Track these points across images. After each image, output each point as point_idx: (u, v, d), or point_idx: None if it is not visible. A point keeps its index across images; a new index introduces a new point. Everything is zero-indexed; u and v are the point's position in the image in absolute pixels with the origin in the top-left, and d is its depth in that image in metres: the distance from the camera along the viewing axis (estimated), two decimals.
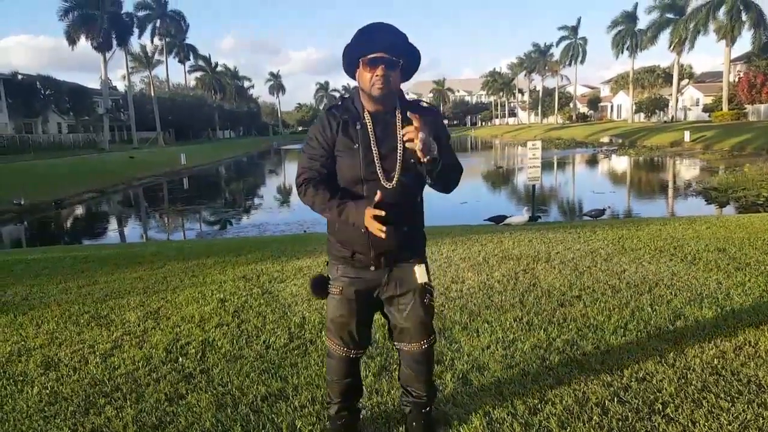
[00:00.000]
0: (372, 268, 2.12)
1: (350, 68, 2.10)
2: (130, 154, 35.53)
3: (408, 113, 1.93)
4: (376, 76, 1.98)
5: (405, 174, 2.04)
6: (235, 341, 3.51)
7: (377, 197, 1.95)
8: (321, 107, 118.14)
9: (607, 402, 2.53)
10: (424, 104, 2.21)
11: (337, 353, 2.24)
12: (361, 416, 2.46)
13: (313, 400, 2.68)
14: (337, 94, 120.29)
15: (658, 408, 2.46)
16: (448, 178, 2.08)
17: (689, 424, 2.32)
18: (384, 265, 2.12)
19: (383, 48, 1.98)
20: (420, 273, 2.16)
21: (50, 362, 3.33)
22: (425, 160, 1.89)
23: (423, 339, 2.20)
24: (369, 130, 2.06)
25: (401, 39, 2.03)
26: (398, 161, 2.04)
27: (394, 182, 2.03)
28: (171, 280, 5.33)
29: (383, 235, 1.91)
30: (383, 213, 1.89)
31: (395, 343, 2.28)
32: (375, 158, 2.04)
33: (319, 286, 2.22)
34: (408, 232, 2.11)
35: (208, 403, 2.69)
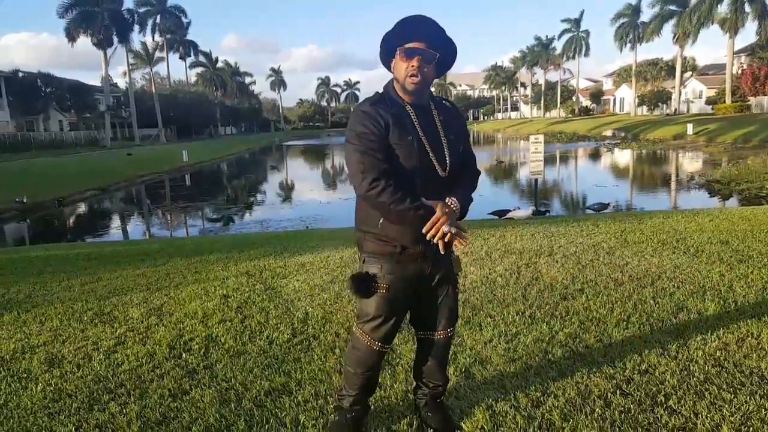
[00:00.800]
0: (418, 260, 2.09)
1: (387, 57, 2.08)
2: (127, 151, 35.58)
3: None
4: (412, 66, 1.98)
5: (454, 164, 2.08)
6: (238, 337, 3.52)
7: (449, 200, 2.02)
8: (323, 102, 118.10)
9: (609, 394, 2.53)
10: (446, 103, 2.22)
11: (369, 346, 2.18)
12: (368, 413, 2.43)
13: (317, 395, 2.68)
14: (339, 90, 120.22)
15: (661, 400, 2.46)
16: (470, 201, 2.13)
17: (692, 416, 2.33)
18: (429, 258, 2.10)
19: (422, 38, 1.97)
20: (456, 263, 2.22)
21: (54, 359, 3.35)
22: (460, 238, 1.98)
23: (451, 326, 2.25)
24: (415, 121, 2.04)
25: (441, 33, 2.02)
26: (446, 151, 2.06)
27: (447, 171, 2.05)
28: (174, 277, 5.34)
29: (462, 247, 2.01)
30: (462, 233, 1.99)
31: (422, 332, 2.27)
32: (427, 149, 2.03)
33: (365, 285, 2.12)
34: None
35: (211, 399, 2.70)
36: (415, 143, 2.01)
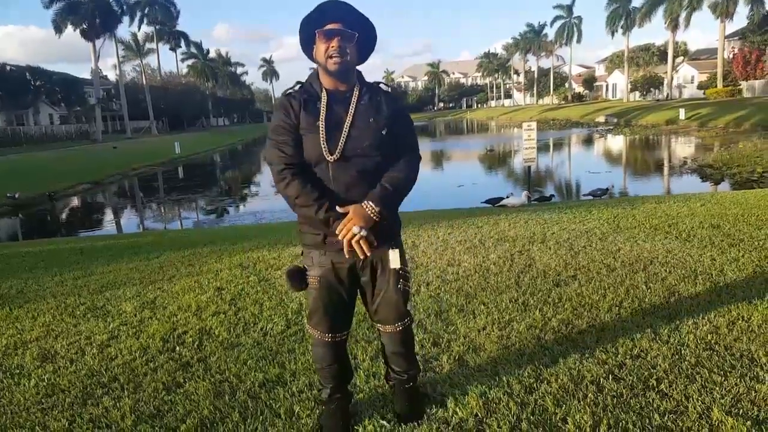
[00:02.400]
0: (342, 250, 2.04)
1: (308, 46, 2.09)
2: (113, 144, 35.32)
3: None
4: (332, 47, 1.98)
5: (364, 155, 2.03)
6: (232, 329, 3.52)
7: (345, 209, 1.99)
8: None
9: (602, 379, 2.55)
10: (384, 87, 2.18)
11: (321, 340, 2.22)
12: (354, 399, 2.48)
13: (311, 386, 2.69)
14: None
15: (653, 384, 2.48)
16: (402, 196, 2.09)
17: (683, 399, 2.34)
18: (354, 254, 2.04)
19: (338, 18, 1.99)
20: (393, 258, 2.13)
21: (47, 354, 3.34)
22: (357, 237, 1.97)
23: (397, 322, 2.23)
24: (322, 109, 2.03)
25: (357, 14, 2.04)
26: (343, 136, 2.01)
27: (335, 156, 2.00)
28: (167, 270, 5.32)
29: (364, 252, 2.00)
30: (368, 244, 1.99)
31: (375, 324, 2.32)
32: (321, 135, 2.01)
33: (297, 278, 2.16)
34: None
35: (205, 391, 2.70)
36: (323, 129, 2.00)
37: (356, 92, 2.08)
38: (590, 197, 10.77)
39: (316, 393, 2.59)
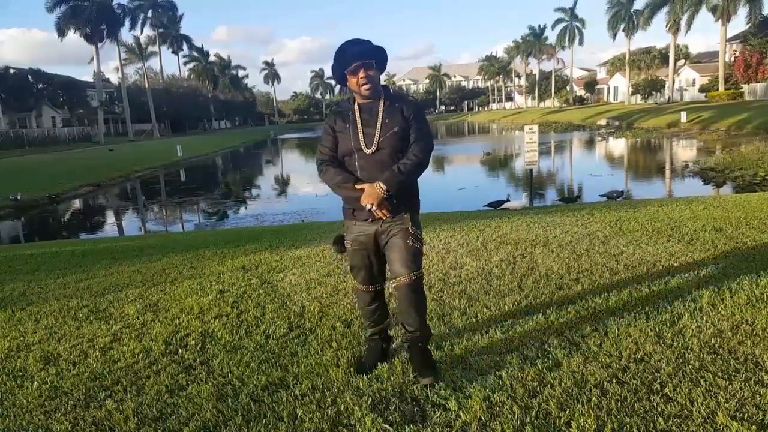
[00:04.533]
0: (368, 220, 2.68)
1: (342, 81, 2.74)
2: (109, 147, 35.39)
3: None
4: (361, 78, 2.62)
5: (385, 146, 2.64)
6: (234, 332, 3.52)
7: (360, 186, 2.63)
8: (317, 95, 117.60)
9: (605, 383, 2.54)
10: (406, 96, 2.86)
11: (358, 289, 2.86)
12: (393, 344, 3.03)
13: (314, 389, 2.68)
14: (333, 82, 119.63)
15: (657, 388, 2.47)
16: (410, 177, 2.65)
17: (687, 403, 2.34)
18: (376, 220, 2.67)
19: (357, 57, 2.60)
20: (405, 219, 2.69)
21: (50, 357, 3.34)
22: (383, 210, 2.61)
23: (411, 272, 2.64)
24: (357, 115, 2.70)
25: (368, 45, 2.66)
26: (376, 134, 2.64)
27: (372, 149, 2.64)
28: (169, 272, 5.32)
29: (383, 213, 2.64)
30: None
31: (390, 282, 2.77)
32: (359, 134, 2.66)
33: (339, 243, 2.89)
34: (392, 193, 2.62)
35: (208, 394, 2.70)
36: (351, 130, 2.68)
37: (381, 102, 2.69)
38: (605, 198, 10.78)
39: (322, 395, 2.59)
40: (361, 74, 2.60)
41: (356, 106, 2.71)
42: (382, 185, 2.57)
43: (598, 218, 6.58)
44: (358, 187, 2.62)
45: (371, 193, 2.57)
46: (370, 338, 2.94)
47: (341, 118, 2.73)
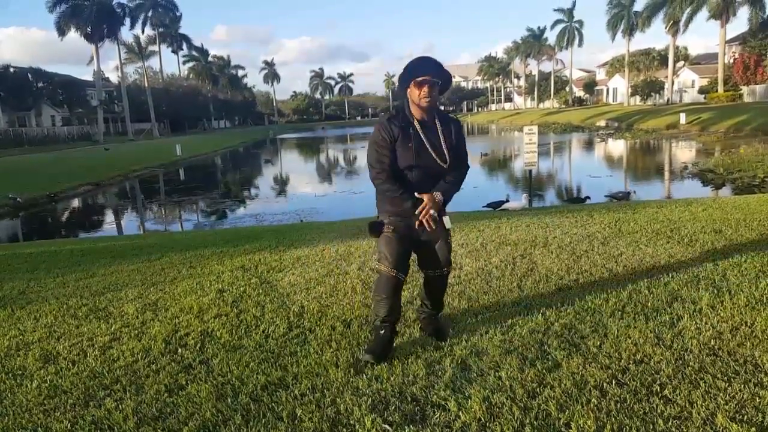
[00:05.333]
0: (410, 217, 2.94)
1: (403, 86, 2.94)
2: (105, 146, 35.35)
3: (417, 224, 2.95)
4: (424, 91, 2.86)
5: (451, 158, 2.99)
6: (234, 331, 3.52)
7: (419, 196, 2.91)
8: (316, 95, 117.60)
9: (605, 384, 2.54)
10: (450, 118, 3.11)
11: (386, 274, 2.94)
12: (396, 336, 3.14)
13: (313, 389, 2.68)
14: (333, 82, 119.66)
15: (656, 389, 2.47)
16: (455, 190, 3.06)
17: (687, 405, 2.34)
18: (417, 219, 2.93)
19: (429, 72, 2.86)
20: (447, 221, 3.05)
21: (49, 356, 3.33)
22: (431, 216, 2.89)
23: (445, 267, 3.08)
24: (420, 132, 2.93)
25: (439, 66, 2.92)
26: (445, 151, 2.96)
27: (447, 163, 2.96)
28: (169, 272, 5.32)
29: (429, 229, 2.94)
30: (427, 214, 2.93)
31: (424, 270, 3.15)
32: (429, 150, 2.92)
33: (376, 228, 3.02)
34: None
35: (208, 393, 2.70)
36: (414, 148, 2.90)
37: (438, 122, 2.98)
38: (611, 199, 10.80)
39: (321, 396, 2.60)
40: (426, 88, 2.85)
41: (417, 123, 2.94)
42: (440, 195, 2.93)
43: (598, 219, 6.59)
44: (418, 196, 2.91)
45: (433, 201, 2.89)
46: (380, 327, 3.01)
47: (404, 132, 2.92)
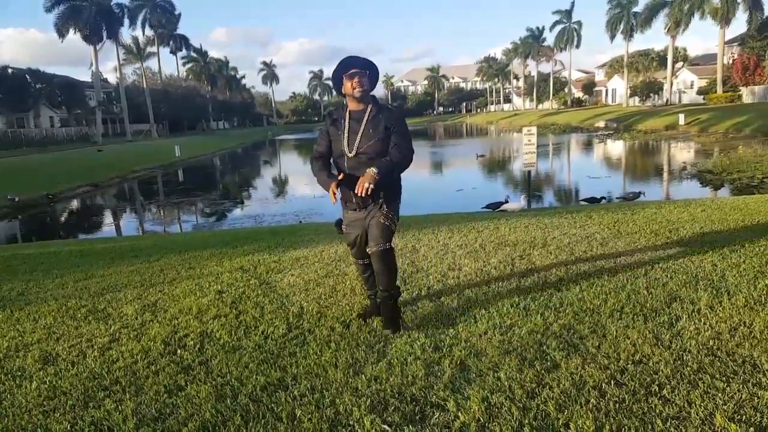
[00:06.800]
0: (356, 209, 3.33)
1: (338, 85, 3.30)
2: (98, 148, 35.32)
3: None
4: (355, 82, 3.20)
5: (366, 151, 3.22)
6: (233, 332, 3.52)
7: (340, 176, 3.21)
8: (315, 96, 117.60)
9: (604, 385, 2.54)
10: (389, 106, 3.39)
11: (355, 262, 3.58)
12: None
13: (313, 389, 2.68)
14: (331, 83, 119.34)
15: (655, 390, 2.48)
16: (395, 169, 3.19)
17: (685, 405, 2.34)
18: (362, 206, 3.29)
19: (356, 66, 3.22)
20: (382, 205, 3.25)
21: (48, 357, 3.33)
22: (366, 189, 3.02)
23: (379, 245, 3.24)
24: (346, 123, 3.28)
25: (365, 61, 3.27)
26: (357, 140, 3.23)
27: (353, 153, 3.24)
28: (168, 273, 5.32)
29: (334, 199, 3.16)
30: (336, 192, 3.19)
31: (368, 250, 3.34)
32: (344, 139, 3.26)
33: (338, 225, 3.55)
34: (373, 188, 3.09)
35: (207, 394, 2.70)
36: (343, 136, 3.27)
37: (368, 111, 3.26)
38: (622, 200, 10.84)
39: (321, 396, 2.60)
40: (356, 80, 3.18)
41: (347, 114, 3.29)
42: (374, 169, 3.06)
43: (596, 220, 6.59)
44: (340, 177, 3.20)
45: (367, 176, 3.04)
46: (369, 296, 3.65)
47: (335, 124, 3.33)
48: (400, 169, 3.22)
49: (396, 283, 3.39)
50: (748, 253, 4.62)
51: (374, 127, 3.20)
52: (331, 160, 3.43)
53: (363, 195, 3.03)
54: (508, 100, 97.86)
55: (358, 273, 3.72)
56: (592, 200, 10.72)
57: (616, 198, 11.52)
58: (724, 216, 6.40)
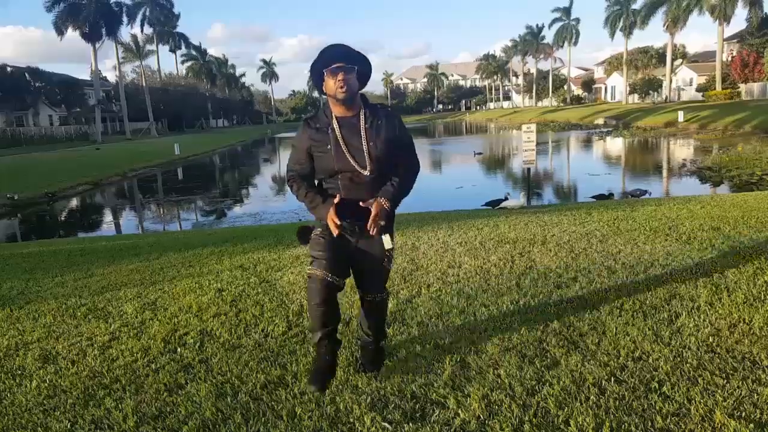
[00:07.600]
0: (355, 240, 2.62)
1: (318, 81, 2.57)
2: (96, 146, 35.30)
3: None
4: (339, 80, 2.46)
5: (374, 165, 2.54)
6: (233, 330, 3.52)
7: (336, 199, 2.53)
8: (314, 94, 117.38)
9: (604, 382, 2.55)
10: (380, 106, 2.67)
11: (318, 276, 2.52)
12: (341, 346, 2.82)
13: None
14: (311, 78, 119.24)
15: (655, 387, 2.48)
16: (403, 197, 2.64)
17: (685, 402, 2.35)
18: (359, 238, 2.61)
19: (340, 58, 2.48)
20: (387, 240, 2.63)
21: (48, 356, 3.33)
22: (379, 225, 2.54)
23: (379, 292, 2.73)
24: (337, 133, 2.54)
25: (354, 52, 2.53)
26: (366, 154, 2.53)
27: (369, 170, 2.54)
28: (168, 271, 5.32)
29: (336, 231, 2.53)
30: (338, 222, 2.51)
31: (360, 291, 2.78)
32: (346, 154, 2.52)
33: (304, 234, 2.76)
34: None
35: (207, 393, 2.70)
36: (332, 151, 2.53)
37: (362, 117, 2.56)
38: (630, 197, 10.87)
39: (320, 393, 2.60)
40: (340, 77, 2.45)
41: (335, 122, 2.54)
42: (387, 202, 2.53)
43: (596, 217, 6.59)
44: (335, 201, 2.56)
45: (380, 210, 2.51)
46: (319, 343, 2.66)
47: (317, 135, 2.56)
48: (406, 194, 2.65)
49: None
50: (748, 249, 4.62)
51: (377, 137, 2.53)
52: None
53: (374, 232, 2.52)
54: (507, 97, 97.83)
55: (316, 298, 2.52)
56: (601, 197, 10.73)
57: (628, 193, 11.59)
58: (723, 213, 6.40)
